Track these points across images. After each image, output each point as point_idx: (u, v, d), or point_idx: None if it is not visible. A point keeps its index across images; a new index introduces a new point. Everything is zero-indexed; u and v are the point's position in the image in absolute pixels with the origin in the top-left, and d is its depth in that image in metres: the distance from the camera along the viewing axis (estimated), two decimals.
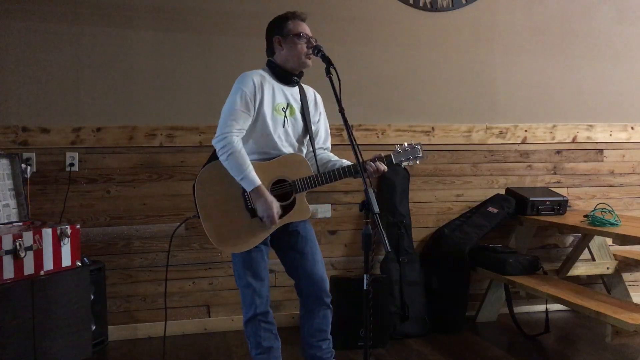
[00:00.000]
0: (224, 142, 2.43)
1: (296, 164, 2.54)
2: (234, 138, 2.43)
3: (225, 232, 2.50)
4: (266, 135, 2.50)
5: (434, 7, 4.05)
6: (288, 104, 2.57)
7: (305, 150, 2.66)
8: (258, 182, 2.42)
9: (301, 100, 2.61)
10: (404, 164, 2.61)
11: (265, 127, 2.50)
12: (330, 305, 2.66)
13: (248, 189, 2.43)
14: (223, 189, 2.49)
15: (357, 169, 2.46)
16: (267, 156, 2.53)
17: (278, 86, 2.56)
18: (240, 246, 2.50)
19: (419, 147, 2.63)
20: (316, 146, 2.68)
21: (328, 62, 2.38)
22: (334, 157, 2.69)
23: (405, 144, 2.62)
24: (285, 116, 2.55)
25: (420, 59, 4.04)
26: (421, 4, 4.03)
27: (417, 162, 2.64)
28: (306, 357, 2.69)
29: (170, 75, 3.70)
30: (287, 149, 2.55)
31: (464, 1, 4.08)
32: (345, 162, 2.62)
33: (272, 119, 2.51)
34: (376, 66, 3.96)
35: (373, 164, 2.50)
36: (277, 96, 2.54)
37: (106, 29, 3.61)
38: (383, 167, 2.52)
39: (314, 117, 2.66)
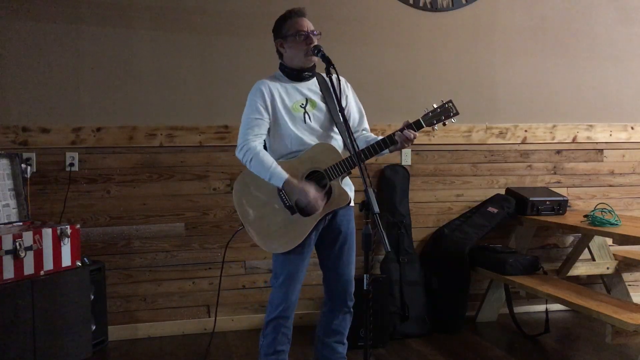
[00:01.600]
0: (244, 150, 2.47)
1: (324, 153, 2.51)
2: (251, 143, 2.47)
3: (271, 234, 2.51)
4: (290, 136, 2.51)
5: (434, 7, 4.05)
6: (307, 99, 2.55)
7: (339, 138, 2.61)
8: (285, 175, 2.41)
9: (321, 90, 2.59)
10: (437, 125, 2.52)
11: (287, 129, 2.50)
12: (352, 310, 2.67)
13: (279, 185, 2.42)
14: (259, 194, 2.52)
15: (386, 142, 2.48)
16: (297, 155, 2.53)
17: (292, 85, 2.56)
18: (287, 244, 2.50)
19: (451, 104, 2.54)
20: (352, 129, 2.60)
21: (328, 62, 2.38)
22: (371, 137, 2.65)
23: (435, 105, 2.54)
24: (305, 112, 2.54)
25: (420, 59, 4.04)
26: (421, 4, 4.03)
27: (453, 120, 2.55)
28: (318, 356, 2.69)
29: (170, 75, 3.70)
30: (315, 142, 2.53)
31: (464, 1, 4.08)
32: (379, 138, 2.56)
33: (291, 118, 2.51)
34: (376, 66, 3.96)
35: (402, 133, 2.46)
36: (293, 95, 2.54)
37: (106, 29, 3.61)
38: (412, 134, 2.47)
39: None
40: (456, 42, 4.09)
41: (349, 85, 2.69)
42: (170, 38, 3.69)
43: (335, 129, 2.59)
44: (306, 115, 2.53)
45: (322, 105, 2.57)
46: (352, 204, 2.60)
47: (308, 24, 2.52)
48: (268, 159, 2.45)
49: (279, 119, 2.50)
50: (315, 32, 2.51)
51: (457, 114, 2.55)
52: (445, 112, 2.54)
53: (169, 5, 3.68)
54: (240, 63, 3.73)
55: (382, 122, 3.96)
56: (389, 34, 3.99)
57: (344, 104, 2.63)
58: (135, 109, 3.66)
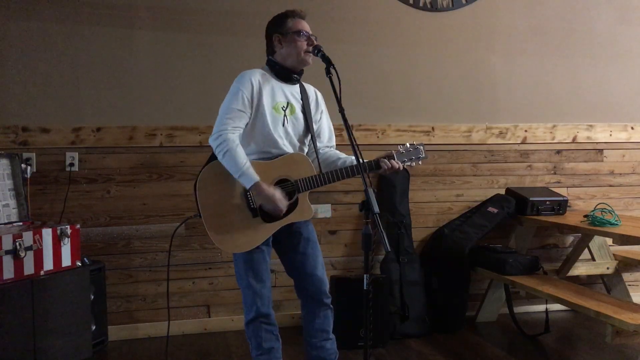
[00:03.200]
0: (219, 140, 2.43)
1: (299, 163, 2.52)
2: (229, 135, 2.42)
3: (227, 232, 2.48)
4: (266, 135, 2.49)
5: (434, 7, 4.05)
6: (288, 103, 2.55)
7: (307, 150, 2.64)
8: (256, 178, 2.39)
9: (302, 99, 2.59)
10: (406, 164, 2.58)
11: (264, 127, 2.49)
12: (331, 305, 2.66)
13: (247, 186, 2.40)
14: (224, 188, 2.48)
15: (372, 166, 2.50)
16: (268, 155, 2.51)
17: (278, 85, 2.55)
18: (241, 246, 2.49)
19: (421, 147, 2.60)
20: (321, 144, 2.67)
21: (328, 62, 2.38)
22: (342, 155, 2.66)
23: (408, 144, 2.59)
24: (285, 115, 2.53)
25: (420, 59, 4.04)
26: (421, 4, 4.03)
27: (420, 162, 2.62)
28: (309, 358, 2.68)
29: (170, 75, 3.70)
30: (287, 148, 2.53)
31: (464, 1, 4.09)
32: (354, 161, 2.58)
33: (272, 118, 2.50)
34: (376, 66, 3.96)
35: (388, 162, 2.50)
36: (277, 95, 2.53)
37: (106, 29, 3.61)
38: (398, 164, 2.52)
39: (315, 116, 2.65)
40: (456, 42, 4.09)
41: (323, 100, 2.71)
42: (170, 38, 3.69)
43: (308, 141, 2.61)
44: (285, 119, 2.53)
45: (300, 114, 2.58)
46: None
47: (308, 27, 2.55)
48: (242, 157, 2.41)
49: (260, 114, 2.48)
50: (313, 36, 2.53)
51: (425, 157, 2.62)
52: (415, 154, 2.59)
53: (169, 5, 3.69)
54: (240, 63, 3.69)
55: (382, 122, 3.97)
56: (389, 34, 3.99)
57: (318, 118, 2.67)
58: (135, 109, 3.66)
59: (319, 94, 2.70)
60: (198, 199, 2.49)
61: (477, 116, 4.12)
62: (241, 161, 2.40)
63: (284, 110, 2.54)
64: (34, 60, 3.53)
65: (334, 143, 2.75)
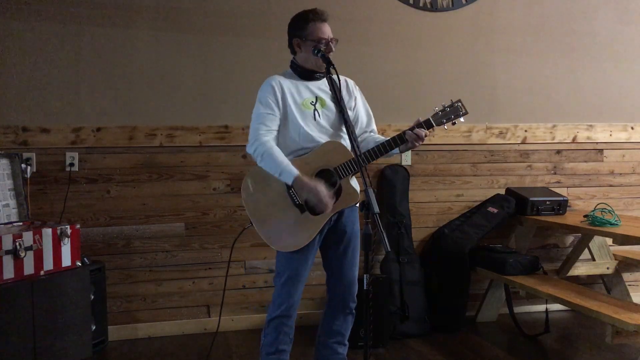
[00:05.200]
0: (255, 145, 2.46)
1: (334, 151, 2.51)
2: (263, 138, 2.45)
3: (280, 233, 2.50)
4: (299, 132, 2.50)
5: (434, 7, 4.05)
6: (317, 97, 2.55)
7: (346, 137, 2.60)
8: (296, 172, 2.39)
9: (331, 90, 2.58)
10: (447, 124, 2.54)
11: (296, 125, 2.50)
12: (354, 312, 2.66)
13: (289, 182, 2.40)
14: (268, 192, 2.50)
15: (396, 141, 2.49)
16: (306, 151, 2.52)
17: (302, 83, 2.56)
18: (296, 243, 2.49)
19: (459, 104, 2.55)
20: (359, 131, 2.66)
21: (328, 63, 2.39)
22: (379, 137, 2.65)
23: (444, 104, 2.55)
24: (315, 109, 2.54)
25: (421, 59, 4.04)
26: (421, 4, 4.03)
27: (462, 119, 2.55)
28: (318, 356, 2.69)
29: (170, 75, 3.70)
30: (324, 140, 2.53)
31: (464, 1, 4.09)
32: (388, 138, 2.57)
33: (302, 115, 2.51)
34: (376, 66, 3.96)
35: (412, 132, 2.48)
36: (303, 93, 2.54)
37: (106, 29, 3.61)
38: (424, 132, 2.49)
39: (349, 103, 2.62)
40: (456, 42, 4.09)
41: (357, 87, 2.70)
42: (170, 38, 3.69)
43: (344, 129, 2.59)
44: (316, 113, 2.54)
45: (332, 104, 2.57)
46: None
47: (329, 31, 2.53)
48: (279, 154, 2.44)
49: (289, 115, 2.50)
50: (333, 40, 2.52)
51: (466, 113, 2.55)
52: (454, 112, 2.55)
53: (169, 5, 3.68)
54: (240, 63, 3.72)
55: (381, 122, 3.92)
56: (389, 34, 3.99)
57: (352, 105, 2.65)
58: (135, 109, 3.66)
59: (350, 81, 2.68)
60: (246, 208, 2.52)
61: (477, 116, 4.11)
62: (279, 159, 2.42)
63: (314, 105, 2.54)
64: (34, 60, 3.53)
65: (373, 127, 2.73)
